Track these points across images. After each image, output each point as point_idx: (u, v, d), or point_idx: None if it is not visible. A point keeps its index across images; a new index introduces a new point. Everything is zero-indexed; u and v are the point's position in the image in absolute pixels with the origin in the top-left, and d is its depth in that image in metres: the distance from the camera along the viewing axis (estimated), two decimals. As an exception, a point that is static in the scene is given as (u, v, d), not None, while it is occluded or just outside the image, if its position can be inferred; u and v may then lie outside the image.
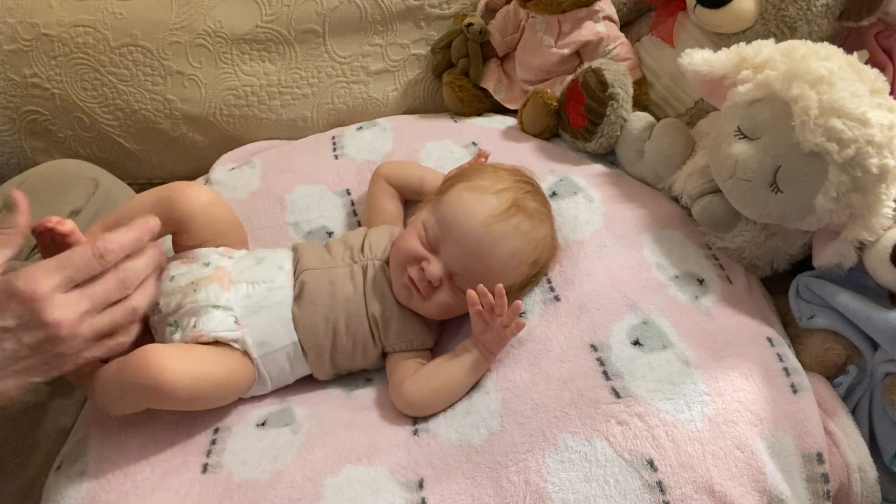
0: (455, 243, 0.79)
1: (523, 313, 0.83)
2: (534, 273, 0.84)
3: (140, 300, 0.70)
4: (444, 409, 0.78)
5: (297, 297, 0.81)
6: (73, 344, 0.66)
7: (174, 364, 0.71)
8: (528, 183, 0.86)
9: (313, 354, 0.81)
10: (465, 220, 0.79)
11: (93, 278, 0.67)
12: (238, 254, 0.85)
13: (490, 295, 0.76)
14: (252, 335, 0.78)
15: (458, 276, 0.80)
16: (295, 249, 0.87)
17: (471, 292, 0.77)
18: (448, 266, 0.80)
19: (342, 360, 0.83)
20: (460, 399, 0.78)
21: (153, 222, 0.72)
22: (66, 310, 0.64)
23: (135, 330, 0.71)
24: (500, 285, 0.76)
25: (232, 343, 0.77)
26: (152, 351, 0.71)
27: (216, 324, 0.76)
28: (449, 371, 0.78)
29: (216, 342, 0.76)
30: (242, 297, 0.79)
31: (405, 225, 0.93)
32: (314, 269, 0.83)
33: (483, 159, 0.95)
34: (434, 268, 0.79)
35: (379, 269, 0.84)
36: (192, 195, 0.81)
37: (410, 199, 0.96)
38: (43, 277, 0.64)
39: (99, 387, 0.72)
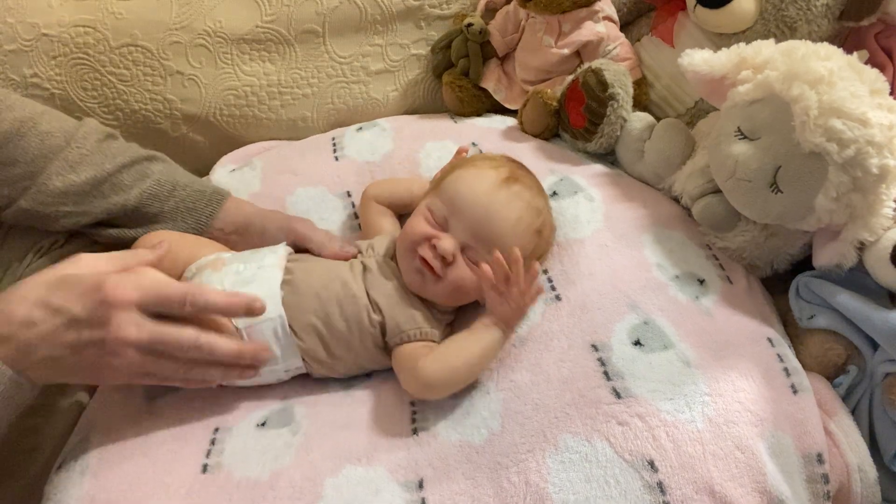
0: (463, 215, 0.80)
1: None
2: (538, 244, 0.84)
3: (212, 377, 0.70)
4: (445, 410, 0.77)
5: (288, 276, 0.81)
6: (121, 364, 0.65)
7: None
8: (520, 166, 0.88)
9: (304, 335, 0.79)
10: (470, 192, 0.81)
11: (173, 319, 0.66)
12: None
13: (505, 264, 0.75)
14: None
15: (469, 248, 0.80)
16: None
17: (485, 265, 0.76)
18: (458, 238, 0.80)
19: (337, 348, 0.81)
20: (461, 399, 0.77)
21: (258, 304, 0.71)
22: (134, 331, 0.64)
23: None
24: (517, 249, 0.75)
25: None
26: None
27: None
28: (466, 347, 0.76)
29: None
30: (232, 274, 0.80)
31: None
32: (308, 256, 0.84)
33: (464, 153, 0.95)
34: (446, 242, 0.79)
35: (382, 262, 0.84)
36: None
37: (404, 213, 0.95)
38: (130, 288, 0.63)
39: None
